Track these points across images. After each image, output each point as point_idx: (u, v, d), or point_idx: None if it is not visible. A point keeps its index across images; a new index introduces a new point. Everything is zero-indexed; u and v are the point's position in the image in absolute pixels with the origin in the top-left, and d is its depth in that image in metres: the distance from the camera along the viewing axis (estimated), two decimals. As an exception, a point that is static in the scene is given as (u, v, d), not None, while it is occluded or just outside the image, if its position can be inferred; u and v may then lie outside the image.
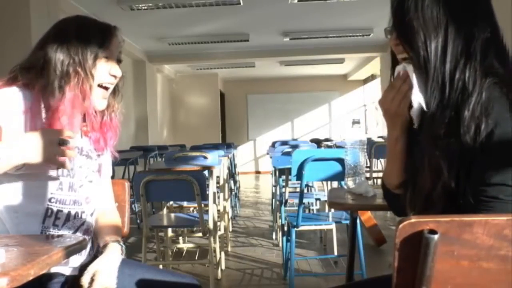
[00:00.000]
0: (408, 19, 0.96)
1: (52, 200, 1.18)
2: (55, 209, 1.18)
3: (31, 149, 1.00)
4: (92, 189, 1.29)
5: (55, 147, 1.03)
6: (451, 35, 0.95)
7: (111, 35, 1.24)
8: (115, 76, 1.24)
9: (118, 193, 1.46)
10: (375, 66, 9.27)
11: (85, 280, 1.11)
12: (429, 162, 0.96)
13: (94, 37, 1.20)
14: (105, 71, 1.22)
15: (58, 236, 1.12)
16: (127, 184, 1.48)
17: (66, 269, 1.21)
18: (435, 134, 0.94)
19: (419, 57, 0.95)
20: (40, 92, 1.15)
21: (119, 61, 1.28)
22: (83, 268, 1.16)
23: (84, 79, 1.18)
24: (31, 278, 0.67)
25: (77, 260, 1.24)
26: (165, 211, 3.59)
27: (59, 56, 1.17)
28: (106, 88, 1.25)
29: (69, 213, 1.21)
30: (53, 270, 1.18)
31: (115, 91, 1.31)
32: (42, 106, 1.15)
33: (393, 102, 1.02)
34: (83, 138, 1.29)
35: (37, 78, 1.16)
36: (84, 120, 1.26)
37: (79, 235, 1.23)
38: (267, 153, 6.70)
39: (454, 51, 0.94)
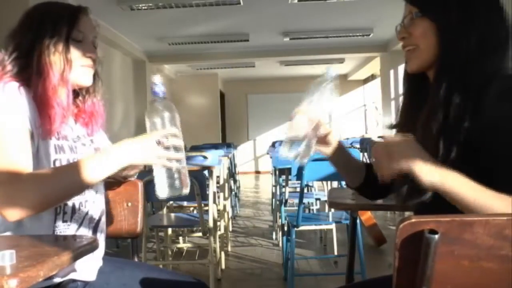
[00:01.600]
0: None
1: None
2: (62, 204, 1.16)
3: (137, 150, 1.10)
4: None
5: (158, 149, 1.10)
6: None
7: (80, 16, 1.23)
8: (91, 57, 1.24)
9: (131, 193, 1.47)
10: (375, 66, 9.27)
11: None
12: (425, 148, 0.97)
13: (63, 20, 1.20)
14: (81, 53, 1.22)
15: (69, 236, 1.11)
16: (140, 184, 1.48)
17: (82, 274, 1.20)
18: (439, 118, 0.96)
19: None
20: (30, 86, 1.14)
21: (94, 46, 1.27)
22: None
23: (62, 64, 1.18)
24: (40, 279, 0.67)
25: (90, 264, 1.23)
26: (165, 211, 3.59)
27: (35, 46, 1.16)
28: (88, 66, 1.24)
29: (73, 205, 1.19)
30: (70, 277, 1.17)
31: (95, 76, 1.30)
32: (32, 98, 1.14)
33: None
34: (76, 125, 1.29)
35: (22, 70, 1.15)
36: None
37: (87, 231, 1.22)
38: (267, 153, 6.70)
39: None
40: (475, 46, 0.95)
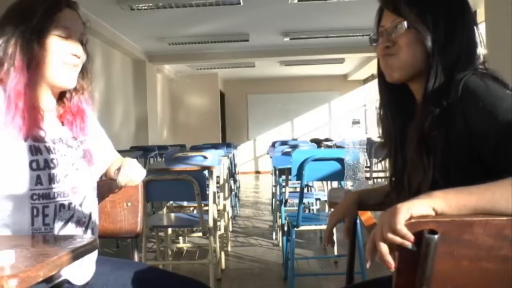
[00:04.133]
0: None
1: (34, 197, 1.12)
2: (40, 206, 1.12)
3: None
4: (79, 178, 1.22)
5: None
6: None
7: (63, 9, 1.18)
8: (76, 56, 1.19)
9: (131, 193, 1.46)
10: (375, 66, 9.22)
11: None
12: (414, 161, 0.98)
13: (45, 13, 1.15)
14: (65, 50, 1.17)
15: (69, 237, 1.10)
16: (140, 184, 1.48)
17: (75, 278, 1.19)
18: (422, 129, 0.96)
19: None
20: (6, 86, 1.11)
21: (83, 43, 1.23)
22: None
23: (39, 61, 1.14)
24: (40, 279, 0.66)
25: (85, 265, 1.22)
26: (165, 210, 3.59)
27: (12, 40, 1.13)
28: (73, 66, 1.20)
29: (55, 207, 1.15)
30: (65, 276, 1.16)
31: (83, 73, 1.26)
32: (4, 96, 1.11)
33: None
34: (63, 126, 1.25)
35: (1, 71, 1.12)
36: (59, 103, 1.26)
37: (74, 229, 1.19)
38: (267, 153, 6.70)
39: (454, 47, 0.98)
40: (455, 55, 0.97)
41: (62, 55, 1.17)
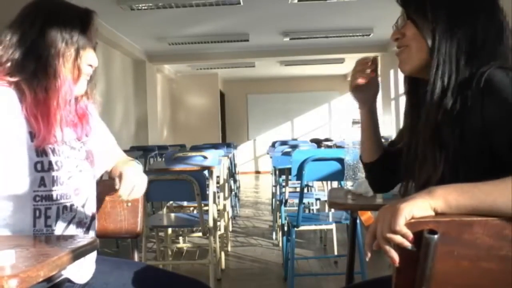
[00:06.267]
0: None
1: (37, 198, 1.12)
2: (42, 208, 1.13)
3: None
4: (82, 179, 1.23)
5: None
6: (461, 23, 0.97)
7: (90, 22, 1.22)
8: (91, 65, 1.23)
9: None
10: (375, 66, 9.26)
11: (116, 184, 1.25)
12: (424, 153, 0.97)
13: (75, 25, 1.18)
14: (84, 61, 1.21)
15: (69, 237, 1.08)
16: None
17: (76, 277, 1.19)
18: (433, 122, 0.95)
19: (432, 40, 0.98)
20: (29, 88, 1.12)
21: (95, 50, 1.26)
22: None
23: (76, 74, 1.18)
24: (40, 279, 0.67)
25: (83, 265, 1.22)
26: (165, 210, 3.59)
27: (42, 48, 1.14)
28: (87, 75, 1.24)
29: (58, 209, 1.16)
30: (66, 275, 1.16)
31: (89, 78, 1.28)
32: (28, 103, 1.12)
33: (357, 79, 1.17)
34: (66, 128, 1.24)
35: (23, 71, 1.13)
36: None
37: (75, 230, 1.20)
38: (267, 153, 6.70)
39: (462, 40, 0.96)
40: (462, 48, 0.96)
41: (83, 67, 1.21)
